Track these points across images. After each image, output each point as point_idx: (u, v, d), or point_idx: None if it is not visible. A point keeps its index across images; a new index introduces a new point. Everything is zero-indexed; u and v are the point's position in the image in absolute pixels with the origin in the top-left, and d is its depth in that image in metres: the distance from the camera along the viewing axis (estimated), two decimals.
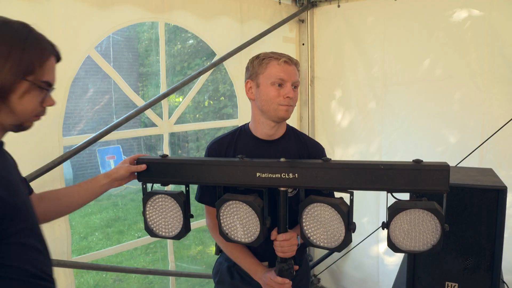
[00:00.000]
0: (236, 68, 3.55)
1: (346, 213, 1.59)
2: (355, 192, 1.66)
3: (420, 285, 2.27)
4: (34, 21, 2.35)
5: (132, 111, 2.82)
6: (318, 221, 1.65)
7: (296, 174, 1.61)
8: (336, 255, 4.13)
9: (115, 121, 2.74)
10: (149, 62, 11.64)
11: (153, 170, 1.76)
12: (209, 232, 2.15)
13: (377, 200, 3.87)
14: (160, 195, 1.77)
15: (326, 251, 4.19)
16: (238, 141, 2.00)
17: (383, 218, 3.82)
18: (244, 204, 1.69)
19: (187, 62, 9.37)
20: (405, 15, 3.51)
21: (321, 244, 1.67)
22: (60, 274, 2.65)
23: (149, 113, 3.01)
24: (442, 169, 1.51)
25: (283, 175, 1.62)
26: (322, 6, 4.01)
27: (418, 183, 1.52)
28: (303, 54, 4.12)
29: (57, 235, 2.64)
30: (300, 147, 2.03)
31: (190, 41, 10.09)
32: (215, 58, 3.38)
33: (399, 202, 1.59)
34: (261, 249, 1.96)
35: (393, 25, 3.56)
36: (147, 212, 1.80)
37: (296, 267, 1.89)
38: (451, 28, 3.29)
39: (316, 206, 1.64)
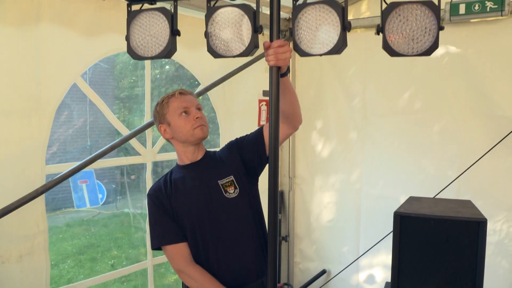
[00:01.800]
0: (219, 97, 3.58)
1: (341, 9, 1.53)
2: None
3: None
4: (22, 47, 2.38)
5: (117, 140, 2.80)
6: (311, 25, 1.57)
7: None
8: (316, 284, 4.13)
9: (101, 149, 2.70)
10: (125, 85, 11.57)
11: None
12: (181, 278, 2.10)
13: (357, 229, 3.92)
14: (145, 12, 1.69)
15: (306, 280, 4.18)
16: (172, 177, 2.14)
17: (363, 247, 3.88)
18: (236, 8, 1.61)
19: (164, 87, 9.38)
20: None
21: (315, 51, 1.58)
22: None
23: (133, 141, 2.99)
24: None
25: None
26: None
27: None
28: None
29: (36, 265, 2.57)
30: (220, 152, 2.20)
31: (166, 67, 10.11)
32: (199, 88, 3.40)
33: (393, 1, 1.54)
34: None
35: (374, 58, 3.65)
36: (130, 33, 1.71)
37: None
38: (430, 63, 3.41)
39: (309, 9, 1.56)
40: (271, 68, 1.63)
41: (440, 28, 1.49)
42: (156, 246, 2.09)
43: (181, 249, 2.05)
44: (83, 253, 7.58)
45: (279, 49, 1.60)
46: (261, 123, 3.92)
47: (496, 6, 2.99)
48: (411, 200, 2.75)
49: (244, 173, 2.10)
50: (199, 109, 2.09)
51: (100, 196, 10.55)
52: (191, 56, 3.29)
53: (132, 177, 10.79)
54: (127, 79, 11.49)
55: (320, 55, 1.56)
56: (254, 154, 2.08)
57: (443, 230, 2.35)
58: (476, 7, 3.06)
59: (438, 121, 3.45)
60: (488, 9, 3.02)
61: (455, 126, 3.38)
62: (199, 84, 3.49)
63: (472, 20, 3.18)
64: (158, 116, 2.11)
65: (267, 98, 3.95)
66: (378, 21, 3.63)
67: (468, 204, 2.65)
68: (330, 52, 1.56)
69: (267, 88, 4.14)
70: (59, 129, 10.35)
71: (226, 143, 2.22)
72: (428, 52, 1.51)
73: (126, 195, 10.57)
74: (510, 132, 3.07)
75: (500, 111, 3.19)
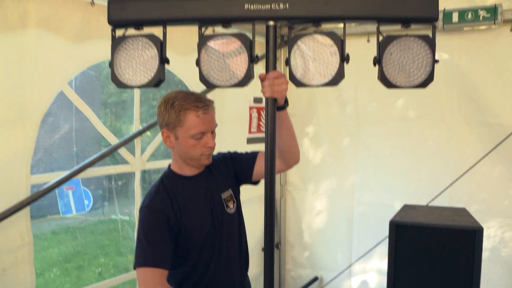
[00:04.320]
0: None
1: (340, 41, 1.50)
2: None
3: None
4: (6, 54, 2.29)
5: (106, 149, 2.74)
6: (309, 56, 1.52)
7: (287, 4, 1.50)
8: None
9: (89, 159, 2.63)
10: (111, 91, 11.46)
11: (127, 10, 1.58)
12: None
13: (350, 236, 3.90)
14: (132, 38, 1.56)
15: (299, 287, 4.15)
16: (172, 188, 1.91)
17: (356, 254, 3.86)
18: (231, 37, 1.54)
19: (152, 93, 9.27)
20: None
21: (312, 82, 1.52)
22: None
23: (121, 149, 2.92)
24: None
25: (274, 6, 1.51)
26: None
27: (407, 9, 1.48)
28: None
29: (20, 279, 2.48)
30: (215, 161, 2.00)
31: None
32: None
33: (390, 35, 1.53)
34: None
35: (366, 66, 3.62)
36: (115, 60, 1.58)
37: None
38: None
39: (307, 39, 1.52)
40: (267, 99, 1.57)
41: (435, 61, 1.49)
42: (140, 263, 1.78)
43: (164, 276, 1.80)
44: (70, 261, 7.44)
45: (275, 80, 1.55)
46: (252, 130, 3.88)
47: (489, 15, 2.99)
48: (406, 208, 2.73)
49: (236, 186, 2.06)
50: (213, 131, 1.88)
51: (86, 202, 10.41)
52: (182, 62, 3.22)
53: (119, 183, 10.67)
54: (113, 85, 11.37)
55: (317, 86, 1.51)
56: (242, 174, 2.04)
57: (439, 238, 2.34)
58: (469, 16, 3.05)
59: (431, 129, 3.46)
60: (481, 18, 3.02)
61: (449, 133, 3.39)
62: (188, 89, 3.43)
63: (465, 29, 3.19)
64: (166, 119, 1.84)
65: (258, 105, 3.92)
66: (370, 28, 3.64)
67: (463, 212, 2.64)
68: (327, 84, 1.51)
69: (258, 95, 4.12)
70: (44, 136, 10.20)
71: (219, 153, 2.11)
72: (423, 84, 1.51)
73: (112, 201, 10.45)
74: (504, 139, 3.08)
75: (493, 118, 3.20)
